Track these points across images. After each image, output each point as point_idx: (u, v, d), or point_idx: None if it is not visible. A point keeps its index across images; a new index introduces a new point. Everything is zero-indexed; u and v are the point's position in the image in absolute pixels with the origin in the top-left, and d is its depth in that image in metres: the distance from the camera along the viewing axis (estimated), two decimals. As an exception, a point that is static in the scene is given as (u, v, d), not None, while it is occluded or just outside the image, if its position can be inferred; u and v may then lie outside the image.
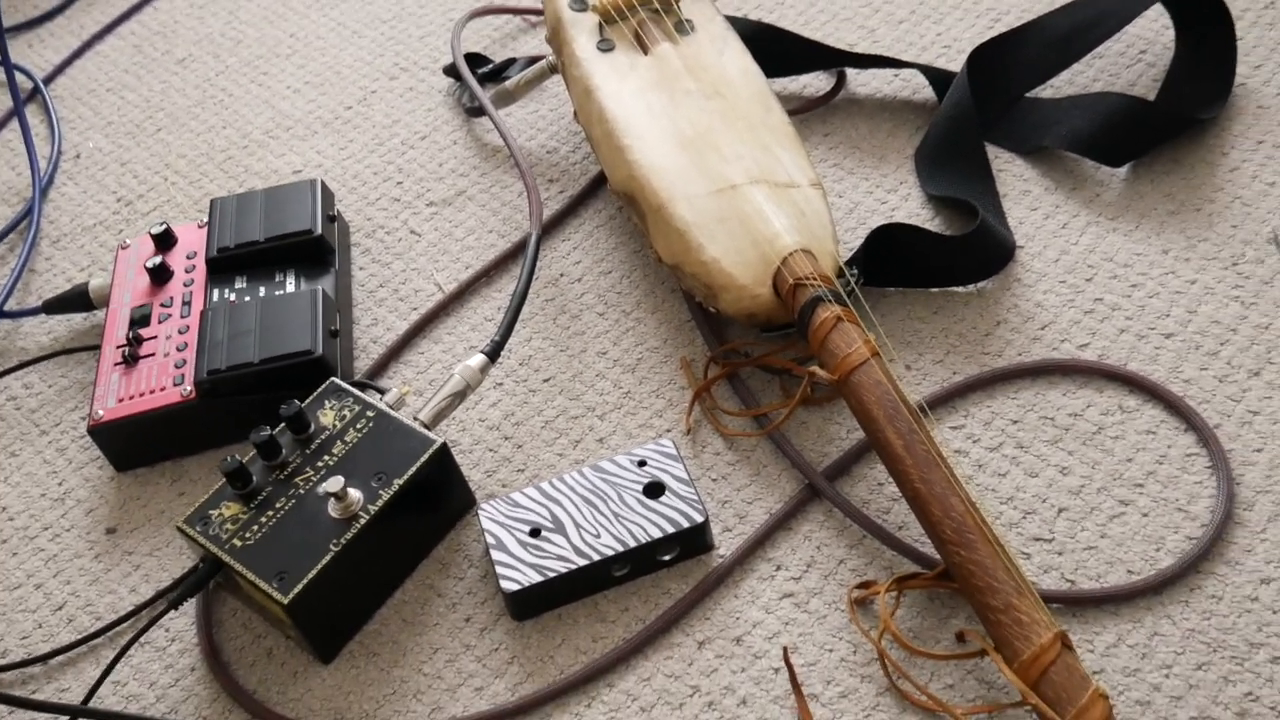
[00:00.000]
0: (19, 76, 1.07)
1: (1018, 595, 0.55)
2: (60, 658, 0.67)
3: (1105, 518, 0.63)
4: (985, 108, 0.82)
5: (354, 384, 0.72)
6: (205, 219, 0.83)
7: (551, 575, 0.62)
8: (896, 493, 0.66)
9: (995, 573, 0.56)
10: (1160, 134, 0.78)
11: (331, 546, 0.61)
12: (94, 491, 0.74)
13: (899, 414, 0.61)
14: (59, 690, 0.65)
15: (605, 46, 0.80)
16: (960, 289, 0.74)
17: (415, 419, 0.67)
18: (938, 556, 0.62)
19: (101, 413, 0.72)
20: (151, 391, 0.73)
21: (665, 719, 0.59)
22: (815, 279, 0.67)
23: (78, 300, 0.82)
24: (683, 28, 0.81)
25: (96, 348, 0.81)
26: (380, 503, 0.63)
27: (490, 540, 0.64)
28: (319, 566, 0.61)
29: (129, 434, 0.72)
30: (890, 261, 0.73)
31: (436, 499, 0.66)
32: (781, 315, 0.69)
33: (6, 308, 0.85)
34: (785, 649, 0.60)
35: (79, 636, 0.66)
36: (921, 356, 0.71)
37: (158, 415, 0.72)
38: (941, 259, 0.73)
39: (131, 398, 0.73)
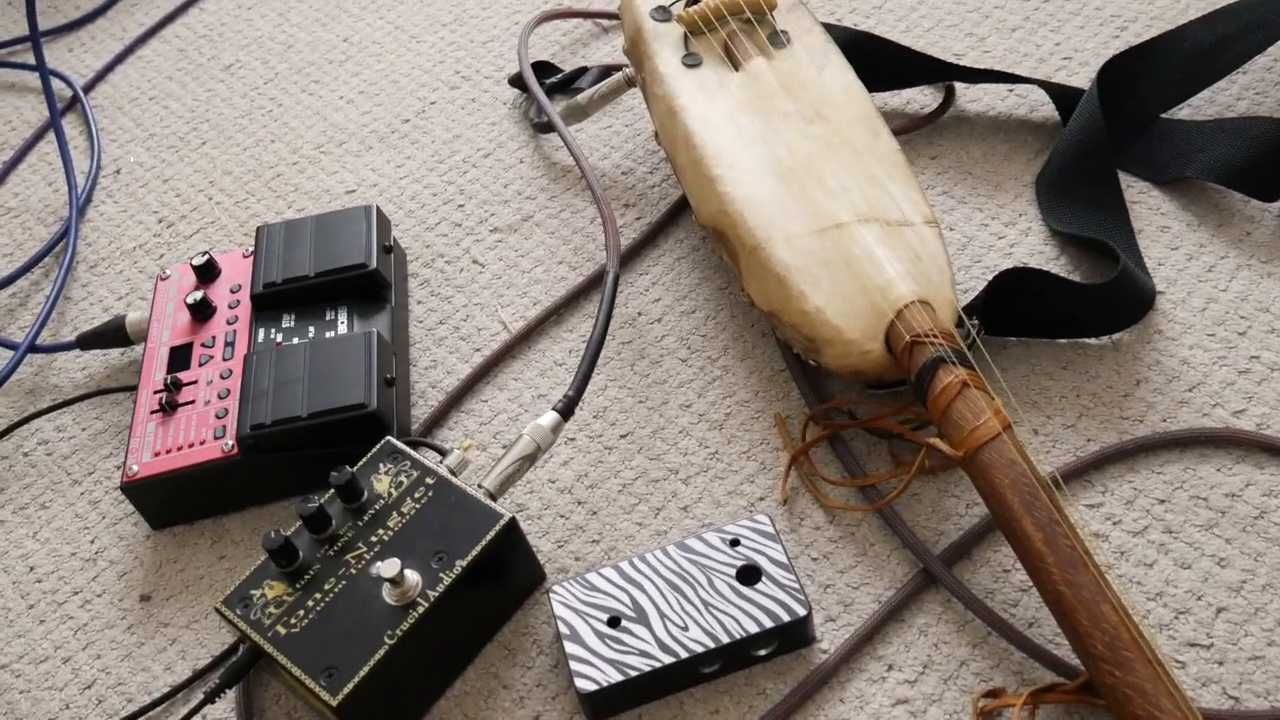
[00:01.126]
0: (56, 83, 1.01)
1: (1185, 728, 0.47)
2: (88, 743, 0.60)
3: (1274, 621, 0.54)
4: (1117, 130, 0.73)
5: (410, 442, 0.65)
6: (251, 247, 0.76)
7: (633, 674, 0.54)
8: (1025, 581, 0.57)
9: (1158, 700, 0.47)
10: (1321, 163, 0.69)
11: (386, 639, 0.54)
12: (128, 551, 0.68)
13: (1037, 501, 0.53)
14: (86, 782, 0.59)
15: (691, 61, 0.72)
16: (1093, 340, 0.66)
17: (479, 487, 0.60)
18: (1075, 660, 0.54)
19: (136, 468, 0.66)
20: (191, 445, 0.66)
21: None
22: (936, 336, 0.59)
23: (114, 335, 0.76)
24: (778, 40, 0.73)
25: (133, 388, 0.75)
26: (441, 587, 0.56)
27: (564, 630, 0.57)
28: (372, 662, 0.54)
29: (166, 491, 0.66)
30: (1014, 309, 0.65)
31: (503, 578, 0.59)
32: (894, 373, 0.61)
33: (39, 341, 0.79)
34: (902, 771, 0.52)
35: (109, 720, 0.60)
36: (1050, 419, 0.63)
37: (197, 472, 0.65)
38: (1074, 308, 0.65)
39: (169, 451, 0.66)
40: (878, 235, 0.63)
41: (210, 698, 0.56)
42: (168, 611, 0.64)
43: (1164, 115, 0.75)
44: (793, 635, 0.56)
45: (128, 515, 0.69)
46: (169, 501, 0.67)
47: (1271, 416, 0.61)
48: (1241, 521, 0.57)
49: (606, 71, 0.87)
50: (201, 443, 0.66)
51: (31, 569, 0.68)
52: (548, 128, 0.85)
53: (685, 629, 0.56)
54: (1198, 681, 0.53)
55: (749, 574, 0.57)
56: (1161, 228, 0.70)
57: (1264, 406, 0.61)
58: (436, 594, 0.55)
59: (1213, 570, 0.56)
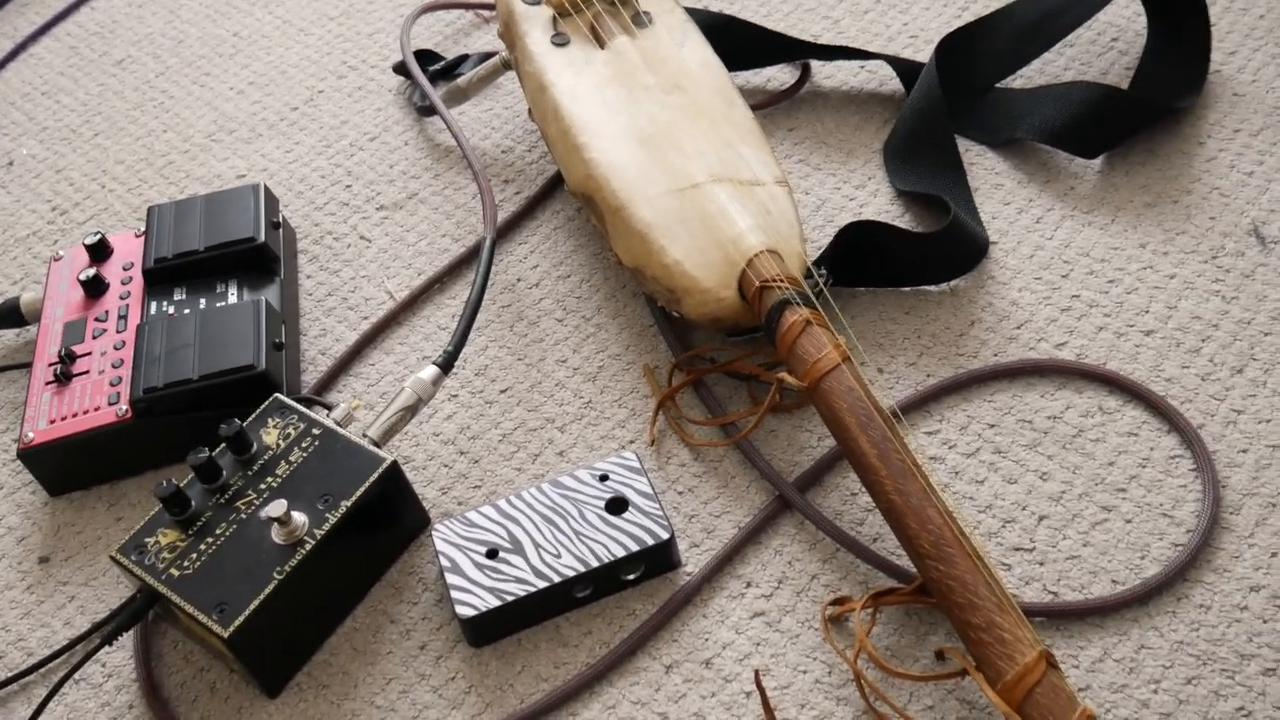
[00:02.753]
0: (-51, 81, 1.02)
1: (1000, 612, 0.52)
2: (-10, 697, 0.63)
3: (1088, 525, 0.60)
4: (955, 99, 0.80)
5: (299, 400, 0.68)
6: (142, 229, 0.79)
7: (510, 599, 0.59)
8: (871, 503, 0.63)
9: (976, 589, 0.53)
10: (1135, 124, 0.76)
11: (274, 575, 0.58)
12: (26, 518, 0.70)
13: (872, 422, 0.58)
14: (-12, 733, 0.61)
15: (560, 41, 0.77)
16: (933, 288, 0.72)
17: (364, 436, 0.64)
18: (915, 570, 0.59)
19: (32, 435, 0.68)
20: (86, 412, 0.69)
21: (632, 749, 0.56)
22: (782, 281, 0.64)
23: (9, 316, 0.78)
24: (640, 20, 0.78)
25: (28, 365, 0.77)
26: (326, 526, 0.59)
27: (445, 563, 0.60)
28: (261, 597, 0.57)
29: (62, 457, 0.68)
30: (860, 260, 0.71)
31: (387, 520, 0.63)
32: (748, 319, 0.66)
33: (-66, 324, 0.81)
34: (757, 671, 0.57)
35: (10, 674, 0.62)
36: (894, 359, 0.68)
37: (92, 437, 0.68)
38: (913, 257, 0.70)
39: (64, 419, 0.69)
40: (730, 193, 0.69)
41: (107, 640, 0.59)
42: (66, 571, 0.67)
43: (998, 85, 0.82)
44: (658, 559, 0.61)
45: (25, 484, 0.72)
46: (65, 467, 0.69)
47: (1089, 347, 0.67)
48: (1062, 439, 0.64)
49: (485, 58, 0.92)
50: (96, 409, 0.69)
51: (-70, 539, 0.70)
52: (430, 111, 0.89)
53: (558, 556, 0.60)
54: (1021, 580, 0.59)
55: (617, 505, 0.62)
56: (995, 185, 0.76)
57: (1083, 339, 0.67)
58: (323, 532, 0.59)
59: (1036, 484, 0.62)
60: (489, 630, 0.60)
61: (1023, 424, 0.64)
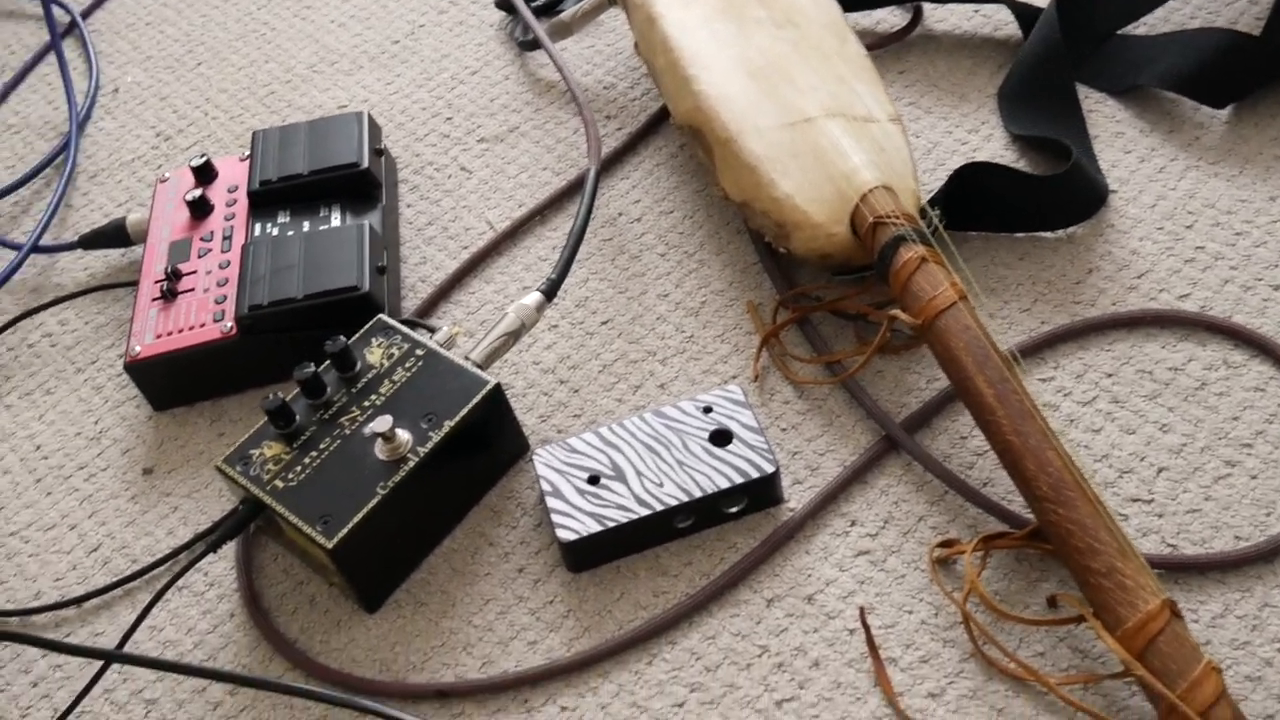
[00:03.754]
0: (56, 10, 1.03)
1: (1121, 558, 0.50)
2: (95, 601, 0.64)
3: (1210, 479, 0.58)
4: (1074, 45, 0.77)
5: (403, 322, 0.68)
6: (247, 153, 0.79)
7: (611, 525, 0.58)
8: (981, 446, 0.61)
9: (1097, 533, 0.51)
10: (1266, 73, 0.73)
11: (378, 490, 0.58)
12: (131, 431, 0.71)
13: (989, 361, 0.56)
14: (93, 634, 0.62)
15: (671, -28, 0.76)
16: (1049, 235, 0.69)
17: (467, 359, 0.63)
18: (1026, 515, 0.58)
19: (139, 349, 0.69)
20: (191, 328, 0.69)
21: (732, 680, 0.55)
22: (897, 217, 0.62)
23: (115, 235, 0.79)
24: (753, -47, 0.76)
25: (134, 284, 0.78)
26: (430, 445, 0.59)
27: (545, 487, 0.60)
28: (365, 510, 0.57)
29: (167, 371, 0.69)
30: (974, 203, 0.69)
31: (488, 443, 0.63)
32: (858, 256, 0.65)
33: (42, 243, 0.82)
34: (861, 609, 0.56)
35: (114, 579, 0.63)
36: (1007, 304, 0.67)
37: (197, 352, 0.68)
38: (1029, 201, 0.68)
39: (170, 334, 0.69)
40: (844, 128, 0.67)
41: (211, 548, 0.59)
42: (169, 483, 0.68)
43: (1120, 31, 0.79)
44: (762, 492, 0.60)
45: (130, 398, 0.72)
46: (170, 382, 0.70)
47: (1214, 300, 0.64)
48: (1183, 392, 0.61)
49: (590, -6, 0.91)
50: (201, 325, 0.69)
51: (38, 447, 0.71)
52: (533, 45, 0.88)
53: (660, 485, 0.59)
54: (1139, 532, 0.57)
55: (721, 437, 0.61)
56: (1116, 133, 0.74)
57: (1207, 291, 0.65)
58: (426, 450, 0.59)
59: (1155, 435, 0.60)
60: (588, 556, 0.59)
61: (1142, 374, 0.62)
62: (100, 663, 0.59)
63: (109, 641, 0.62)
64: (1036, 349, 0.64)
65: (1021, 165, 0.73)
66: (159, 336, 0.69)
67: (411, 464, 0.58)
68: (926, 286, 0.59)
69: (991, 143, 0.75)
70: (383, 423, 0.58)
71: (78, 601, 0.63)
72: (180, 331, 0.69)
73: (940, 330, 0.58)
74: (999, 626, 0.55)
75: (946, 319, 0.58)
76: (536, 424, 0.66)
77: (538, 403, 0.67)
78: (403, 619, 0.60)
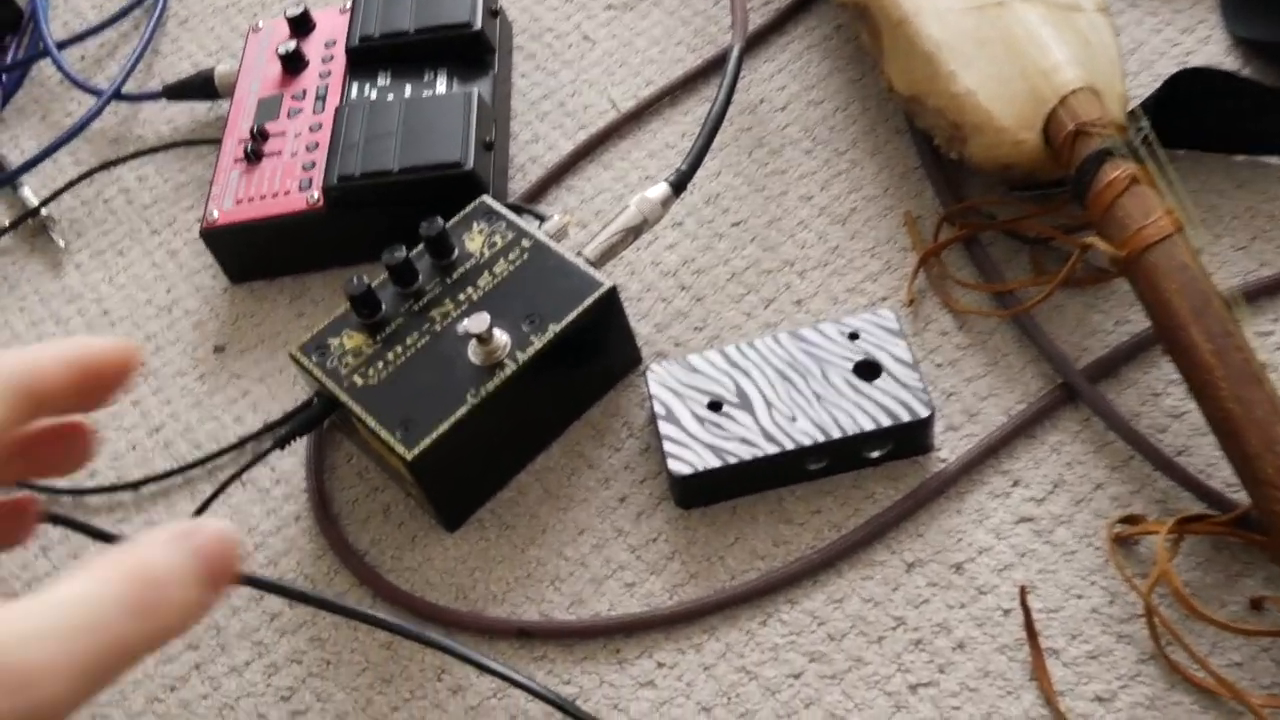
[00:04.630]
0: None
1: (1363, 562, 0.41)
2: (153, 486, 0.58)
3: None
4: (1325, -67, 0.64)
5: (509, 206, 0.60)
6: (348, 4, 0.71)
7: (732, 461, 0.50)
8: (1178, 406, 0.51)
9: (1334, 529, 0.42)
10: None
11: (469, 397, 0.50)
12: (205, 303, 0.65)
13: (1209, 309, 0.46)
14: (148, 523, 0.57)
15: None
16: (1276, 160, 0.58)
17: (579, 254, 0.55)
18: (1231, 495, 0.48)
19: (217, 214, 0.62)
20: (274, 195, 0.62)
21: (859, 653, 0.47)
22: (1105, 126, 0.52)
23: (202, 86, 0.72)
24: None
25: (219, 141, 0.71)
26: (531, 350, 0.51)
27: (659, 410, 0.52)
28: (452, 420, 0.50)
29: (246, 240, 0.62)
30: (1190, 115, 0.57)
31: (597, 352, 0.55)
32: (1048, 169, 0.54)
33: (125, 90, 0.75)
34: (1022, 588, 0.47)
35: (175, 465, 0.58)
36: (1219, 239, 0.56)
37: (279, 222, 0.61)
38: (1259, 118, 0.57)
39: (252, 200, 0.62)
40: (1043, 16, 0.56)
41: (280, 443, 0.53)
42: (241, 364, 0.61)
43: (1382, -79, 0.66)
44: (910, 438, 0.51)
45: (206, 267, 0.66)
46: (249, 253, 0.63)
47: None
48: None
49: None
50: (286, 193, 0.62)
51: (105, 313, 0.65)
52: (675, -97, 0.77)
53: (793, 420, 0.51)
54: (1367, 527, 0.47)
55: (868, 369, 0.52)
56: (1367, 44, 0.61)
57: None
58: (526, 356, 0.51)
59: (1395, 412, 0.50)
60: (702, 492, 0.52)
61: (1384, 336, 0.52)
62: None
63: (166, 534, 0.56)
64: (1254, 296, 0.54)
65: (1247, 74, 0.61)
66: (239, 202, 0.62)
67: (508, 371, 0.51)
68: (1136, 212, 0.49)
69: (1209, 45, 0.63)
70: (479, 322, 0.50)
71: (135, 486, 0.57)
72: (262, 198, 0.62)
73: (1149, 266, 0.48)
74: (1189, 626, 0.46)
75: (1158, 254, 0.48)
76: (651, 333, 0.58)
77: (654, 309, 0.59)
78: (485, 542, 0.53)
